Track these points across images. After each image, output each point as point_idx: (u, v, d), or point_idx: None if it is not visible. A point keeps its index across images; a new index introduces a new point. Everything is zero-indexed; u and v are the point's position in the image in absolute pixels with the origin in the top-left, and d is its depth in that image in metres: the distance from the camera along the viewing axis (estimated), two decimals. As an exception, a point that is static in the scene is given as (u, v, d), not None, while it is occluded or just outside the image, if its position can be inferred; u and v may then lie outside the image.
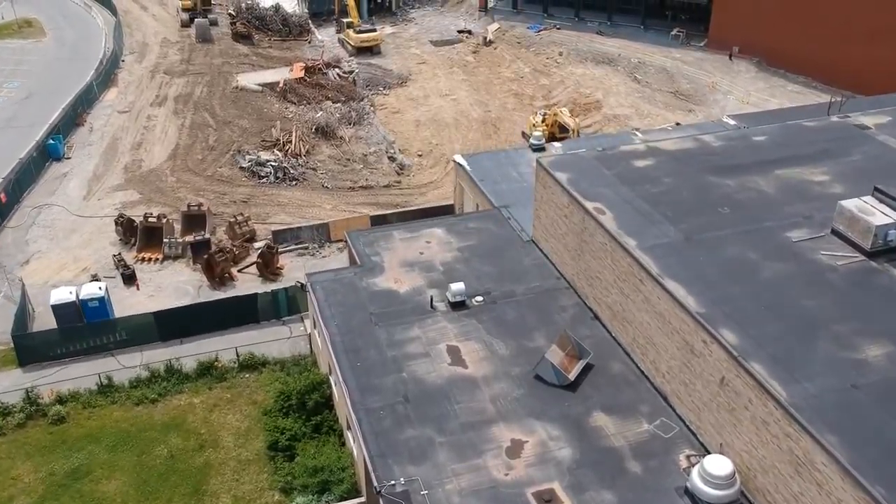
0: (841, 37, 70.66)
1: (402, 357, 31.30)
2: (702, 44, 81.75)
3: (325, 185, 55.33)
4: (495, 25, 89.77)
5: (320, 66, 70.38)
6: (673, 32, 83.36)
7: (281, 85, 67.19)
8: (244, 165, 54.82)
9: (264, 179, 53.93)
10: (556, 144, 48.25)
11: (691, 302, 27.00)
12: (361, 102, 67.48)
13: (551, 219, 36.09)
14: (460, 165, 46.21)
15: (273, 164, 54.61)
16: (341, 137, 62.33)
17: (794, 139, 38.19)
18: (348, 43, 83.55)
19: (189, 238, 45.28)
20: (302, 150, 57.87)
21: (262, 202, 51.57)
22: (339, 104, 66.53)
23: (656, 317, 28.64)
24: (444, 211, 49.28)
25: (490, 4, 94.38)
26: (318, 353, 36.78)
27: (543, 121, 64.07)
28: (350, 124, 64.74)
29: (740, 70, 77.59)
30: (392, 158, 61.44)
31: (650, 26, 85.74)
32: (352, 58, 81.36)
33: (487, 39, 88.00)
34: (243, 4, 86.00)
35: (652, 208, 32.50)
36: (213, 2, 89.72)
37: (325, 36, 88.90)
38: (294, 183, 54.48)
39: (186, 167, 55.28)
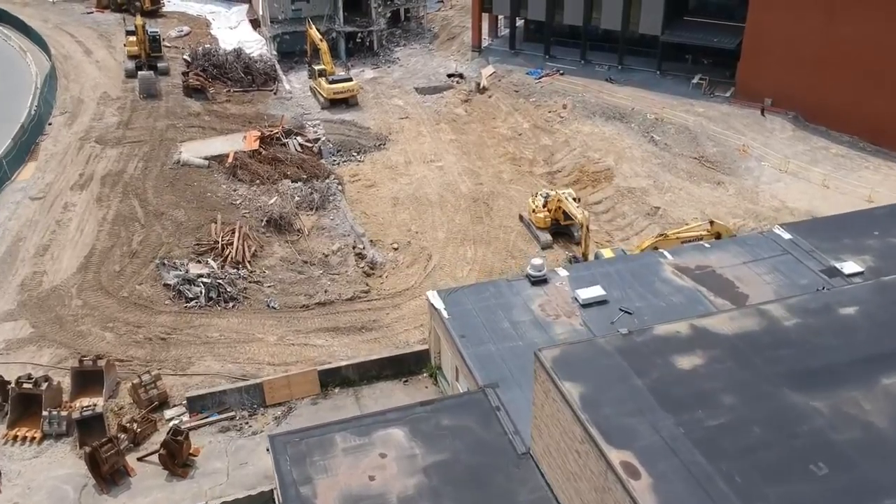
0: (892, 88, 59.78)
1: None
2: (728, 94, 70.64)
3: (272, 304, 44.24)
4: (490, 69, 78.66)
5: (278, 134, 59.17)
6: (694, 80, 72.21)
7: (230, 159, 56.10)
8: (170, 282, 43.72)
9: (193, 302, 42.81)
10: (563, 273, 37.09)
11: None
12: (327, 180, 56.32)
13: (557, 445, 24.98)
14: (435, 309, 35.09)
15: (205, 280, 43.48)
16: (299, 230, 51.23)
17: (897, 313, 27.04)
18: (320, 94, 72.58)
19: (75, 412, 34.16)
20: (246, 253, 46.80)
21: (185, 339, 40.43)
22: (299, 183, 55.43)
23: None
24: (416, 358, 38.14)
25: (484, 44, 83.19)
26: None
27: (545, 205, 53.20)
28: (311, 209, 53.70)
29: (774, 128, 66.43)
30: (361, 255, 50.41)
31: (667, 71, 74.52)
32: (322, 113, 70.35)
33: (481, 86, 76.94)
34: (200, 49, 74.92)
35: (711, 464, 21.31)
36: (166, 44, 78.74)
37: (297, 82, 77.90)
38: (231, 304, 43.36)
39: (98, 284, 44.17)
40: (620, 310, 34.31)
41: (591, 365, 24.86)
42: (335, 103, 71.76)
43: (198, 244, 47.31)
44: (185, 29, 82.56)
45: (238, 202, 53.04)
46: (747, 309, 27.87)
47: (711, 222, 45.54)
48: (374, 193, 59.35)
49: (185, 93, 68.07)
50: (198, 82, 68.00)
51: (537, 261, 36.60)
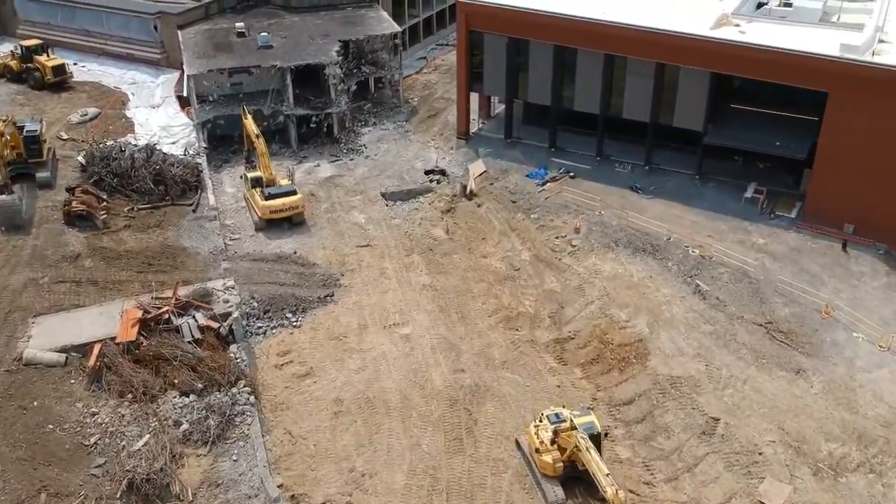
0: None
1: None
2: (793, 214, 53.15)
3: None
4: (480, 166, 60.87)
5: (168, 313, 40.99)
6: (748, 194, 54.55)
7: (94, 359, 38.20)
8: None
9: None
10: None
11: None
12: (234, 389, 38.50)
13: None
14: None
15: None
16: (178, 497, 33.47)
17: None
18: (254, 210, 54.94)
19: None
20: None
21: None
22: (191, 397, 37.59)
23: None
24: None
25: (474, 128, 65.41)
26: None
27: (553, 441, 35.62)
28: (205, 443, 35.97)
29: (863, 272, 48.90)
30: (272, 537, 32.79)
31: (710, 174, 56.86)
32: (255, 239, 52.59)
33: (468, 190, 59.29)
34: (99, 149, 56.90)
35: None
36: (62, 135, 60.96)
37: (231, 183, 60.15)
38: None
39: None
40: None
41: None
42: (274, 223, 54.21)
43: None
44: (91, 111, 64.33)
45: (92, 440, 35.22)
46: None
47: None
48: (308, 391, 41.49)
49: (66, 220, 50.27)
50: (82, 207, 50.11)
51: None
